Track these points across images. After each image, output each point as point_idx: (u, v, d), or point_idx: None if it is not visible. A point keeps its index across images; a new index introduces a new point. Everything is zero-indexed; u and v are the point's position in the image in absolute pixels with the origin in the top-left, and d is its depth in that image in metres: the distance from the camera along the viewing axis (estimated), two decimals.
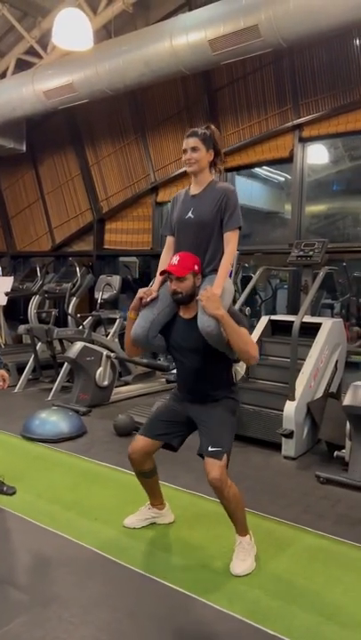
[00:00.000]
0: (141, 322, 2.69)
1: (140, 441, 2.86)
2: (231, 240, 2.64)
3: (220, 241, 2.66)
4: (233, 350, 2.55)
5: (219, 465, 2.54)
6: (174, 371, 3.04)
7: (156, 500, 3.10)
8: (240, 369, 4.74)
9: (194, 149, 2.66)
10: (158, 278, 2.77)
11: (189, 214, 2.68)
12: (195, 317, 2.58)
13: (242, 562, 2.65)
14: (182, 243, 2.73)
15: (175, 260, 2.63)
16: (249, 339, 2.57)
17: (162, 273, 2.71)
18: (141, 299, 2.71)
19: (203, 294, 2.49)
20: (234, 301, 5.65)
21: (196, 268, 2.62)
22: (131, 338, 2.74)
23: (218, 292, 2.50)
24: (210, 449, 2.58)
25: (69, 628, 2.21)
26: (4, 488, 3.49)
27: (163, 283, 2.74)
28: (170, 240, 2.84)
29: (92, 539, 2.93)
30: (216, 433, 2.63)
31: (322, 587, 2.55)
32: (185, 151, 2.69)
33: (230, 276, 4.66)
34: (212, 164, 2.74)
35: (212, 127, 2.76)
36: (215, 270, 2.63)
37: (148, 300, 2.70)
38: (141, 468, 2.90)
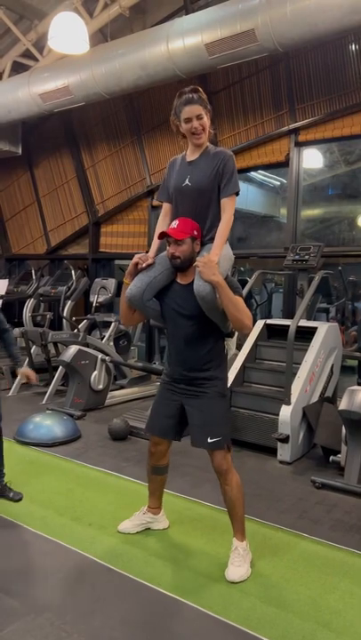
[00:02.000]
0: (137, 282, 2.65)
1: (156, 442, 2.90)
2: (228, 207, 2.58)
3: (220, 208, 2.60)
4: (227, 320, 2.53)
5: (223, 453, 2.59)
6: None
7: (154, 502, 3.08)
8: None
9: (199, 117, 2.57)
10: (155, 242, 2.71)
11: (186, 182, 2.62)
12: (191, 283, 2.54)
13: (237, 568, 2.63)
14: (180, 211, 2.68)
15: (175, 223, 2.59)
16: (243, 308, 2.53)
17: (160, 235, 2.64)
18: (137, 264, 2.67)
19: (200, 260, 2.47)
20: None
21: (195, 233, 2.58)
22: (126, 298, 2.69)
23: (215, 259, 2.47)
24: (209, 440, 2.59)
25: (62, 635, 2.18)
26: (11, 494, 3.46)
27: (159, 248, 2.70)
28: (166, 207, 2.78)
29: (86, 544, 2.90)
30: (211, 422, 2.62)
31: (318, 593, 2.53)
32: (189, 120, 2.57)
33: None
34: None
35: (199, 89, 2.65)
36: (214, 238, 2.59)
37: (144, 265, 2.66)
38: (159, 462, 2.93)
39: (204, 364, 2.67)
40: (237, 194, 2.61)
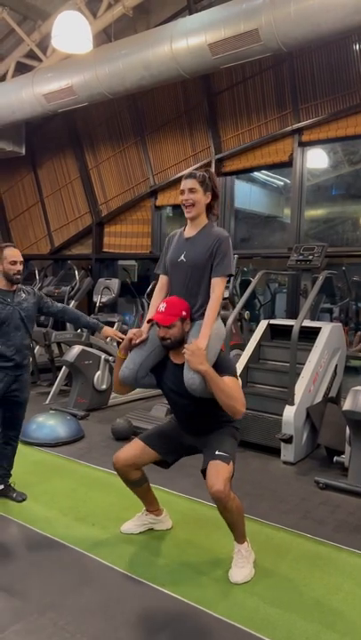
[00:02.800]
0: (130, 364, 2.67)
1: (129, 448, 2.86)
2: (217, 287, 2.60)
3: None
4: None
5: (223, 477, 2.49)
6: None
7: (151, 506, 3.07)
8: None
9: (191, 191, 2.63)
10: (147, 324, 2.73)
11: (182, 257, 2.67)
12: (184, 364, 2.54)
13: (240, 569, 2.62)
14: (174, 285, 2.73)
15: (162, 307, 2.59)
16: (235, 392, 2.52)
17: (149, 321, 2.68)
18: (131, 339, 2.69)
19: (187, 348, 2.46)
20: (233, 305, 5.67)
21: (183, 313, 2.58)
22: (119, 378, 2.72)
23: (203, 345, 2.47)
24: (217, 452, 2.57)
25: (65, 635, 2.18)
26: (14, 494, 3.46)
27: (152, 325, 2.72)
28: (163, 279, 2.83)
29: (90, 545, 2.90)
30: (220, 443, 2.63)
31: (321, 594, 2.52)
32: (182, 192, 2.66)
33: (229, 281, 4.58)
34: (209, 208, 2.72)
35: (211, 171, 2.77)
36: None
37: (138, 341, 2.68)
38: (127, 477, 2.90)
39: (211, 427, 2.71)
40: (230, 276, 2.65)
